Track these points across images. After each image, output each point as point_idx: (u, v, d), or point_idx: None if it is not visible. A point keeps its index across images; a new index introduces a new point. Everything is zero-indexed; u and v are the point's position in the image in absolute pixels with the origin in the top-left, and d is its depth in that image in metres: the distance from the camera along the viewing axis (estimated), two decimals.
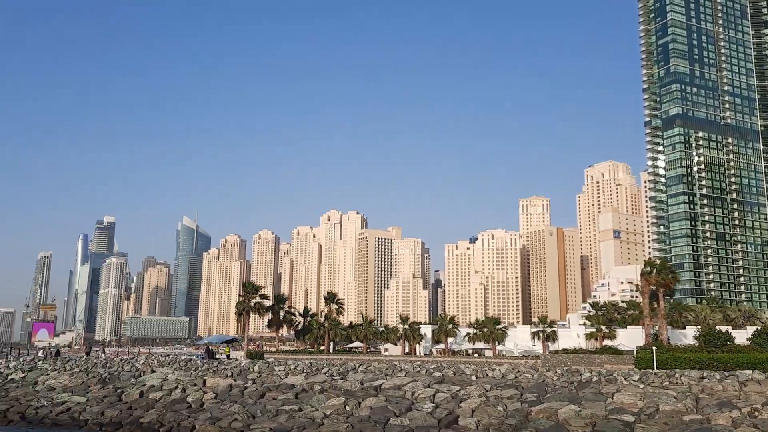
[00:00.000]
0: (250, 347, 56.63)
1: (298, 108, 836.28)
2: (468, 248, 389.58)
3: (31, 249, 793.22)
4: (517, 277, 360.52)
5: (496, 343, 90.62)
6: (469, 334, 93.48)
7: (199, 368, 37.83)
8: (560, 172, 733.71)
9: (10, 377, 42.33)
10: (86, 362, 45.31)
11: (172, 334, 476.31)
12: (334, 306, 72.86)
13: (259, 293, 66.16)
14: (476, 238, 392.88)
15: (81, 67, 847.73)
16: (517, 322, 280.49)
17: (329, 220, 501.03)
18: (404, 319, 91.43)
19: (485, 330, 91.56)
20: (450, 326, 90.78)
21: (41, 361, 45.08)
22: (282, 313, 62.98)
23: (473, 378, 31.90)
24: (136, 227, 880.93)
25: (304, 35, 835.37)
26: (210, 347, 53.79)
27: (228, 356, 46.20)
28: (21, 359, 47.12)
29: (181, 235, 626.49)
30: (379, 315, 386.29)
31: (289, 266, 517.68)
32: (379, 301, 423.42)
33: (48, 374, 41.71)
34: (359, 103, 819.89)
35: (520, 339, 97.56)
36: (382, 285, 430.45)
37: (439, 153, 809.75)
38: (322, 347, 71.20)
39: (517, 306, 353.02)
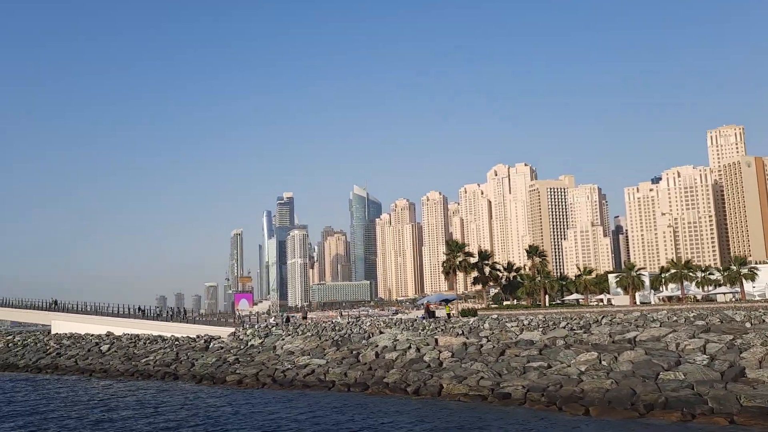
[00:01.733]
0: (459, 306, 56.56)
1: (452, 63, 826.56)
2: (651, 190, 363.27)
3: (225, 228, 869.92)
4: (710, 217, 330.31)
5: (743, 283, 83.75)
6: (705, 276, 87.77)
7: (426, 328, 37.74)
8: (753, 93, 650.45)
9: (250, 343, 45.41)
10: (316, 326, 47.42)
11: (355, 297, 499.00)
12: (537, 259, 70.71)
13: (464, 251, 65.62)
14: (659, 179, 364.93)
15: (246, 48, 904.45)
16: (714, 264, 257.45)
17: (496, 174, 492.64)
18: (585, 270, 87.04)
19: (728, 272, 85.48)
20: (683, 270, 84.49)
21: (274, 327, 48.12)
22: (487, 269, 62.14)
23: (747, 325, 28.32)
24: (313, 200, 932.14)
25: None
26: (429, 306, 54.40)
27: (449, 315, 46.11)
28: (256, 326, 50.57)
29: (353, 203, 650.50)
30: (557, 267, 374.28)
31: (459, 225, 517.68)
32: (557, 253, 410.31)
33: (283, 339, 44.12)
34: (516, 52, 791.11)
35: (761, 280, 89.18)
36: (558, 236, 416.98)
37: (605, 85, 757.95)
38: (538, 302, 69.98)
39: (713, 247, 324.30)
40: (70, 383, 42.16)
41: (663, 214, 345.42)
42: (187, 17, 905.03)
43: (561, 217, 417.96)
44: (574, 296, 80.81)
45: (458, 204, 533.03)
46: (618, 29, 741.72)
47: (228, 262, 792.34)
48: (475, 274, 62.71)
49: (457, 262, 61.25)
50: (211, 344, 47.87)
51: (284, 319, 56.23)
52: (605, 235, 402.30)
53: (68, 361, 53.06)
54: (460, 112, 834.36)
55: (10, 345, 67.28)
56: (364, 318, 52.45)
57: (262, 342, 45.24)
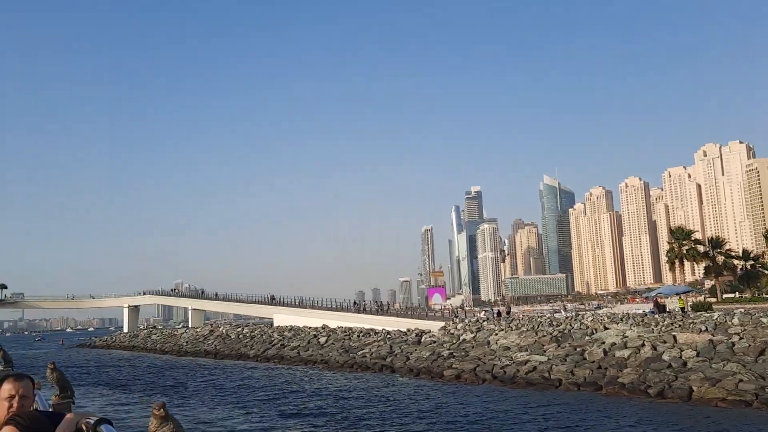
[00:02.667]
0: (689, 299, 51.15)
1: (649, 35, 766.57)
2: None
3: (415, 224, 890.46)
4: None
5: None
6: None
7: (660, 324, 34.20)
8: None
9: (462, 338, 44.79)
10: (531, 321, 45.60)
11: (550, 291, 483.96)
12: None
13: (692, 238, 59.41)
14: None
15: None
16: None
17: (705, 155, 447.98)
18: None
19: None
20: None
21: (485, 322, 47.21)
22: (720, 258, 55.47)
23: None
24: (501, 193, 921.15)
25: None
26: (658, 300, 50.00)
27: (683, 309, 41.74)
28: (466, 320, 50.01)
29: (543, 194, 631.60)
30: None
31: (665, 212, 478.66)
32: None
33: (496, 334, 42.85)
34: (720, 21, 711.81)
35: None
36: None
37: None
38: None
39: None
40: (298, 373, 44.71)
41: None
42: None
43: None
44: None
45: (661, 189, 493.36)
46: None
47: (420, 257, 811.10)
48: (705, 263, 56.28)
49: (684, 251, 55.37)
50: (423, 338, 48.08)
51: (495, 314, 55.12)
52: None
53: (291, 352, 56.71)
54: (654, 90, 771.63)
55: (240, 336, 73.91)
56: (585, 312, 49.61)
57: (474, 336, 44.42)
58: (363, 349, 49.74)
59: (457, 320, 51.89)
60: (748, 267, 55.54)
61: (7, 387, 3.70)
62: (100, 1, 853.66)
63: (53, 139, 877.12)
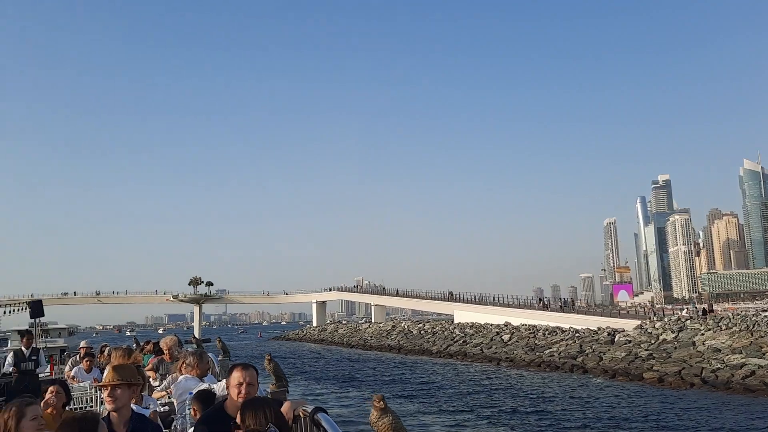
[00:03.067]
0: None
1: None
2: None
3: (596, 218, 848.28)
4: None
5: None
6: None
7: None
8: None
9: (661, 338, 41.23)
10: (744, 320, 40.80)
11: (755, 287, 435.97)
12: None
13: None
14: None
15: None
16: None
17: None
18: None
19: None
20: None
21: (688, 321, 43.07)
22: None
23: None
24: (693, 181, 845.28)
25: None
26: None
27: None
28: (665, 319, 46.00)
29: (744, 180, 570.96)
30: None
31: None
32: None
33: (702, 334, 38.84)
34: None
35: None
36: None
37: None
38: None
39: None
40: (483, 370, 43.95)
41: None
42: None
43: None
44: None
45: None
46: None
47: (602, 252, 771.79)
48: None
49: None
50: (616, 337, 44.97)
51: (700, 312, 50.09)
52: None
53: (474, 349, 56.05)
54: None
55: (421, 332, 74.87)
56: None
57: (675, 336, 40.62)
58: (550, 348, 47.75)
59: (655, 318, 47.85)
60: None
61: (236, 375, 4.06)
62: None
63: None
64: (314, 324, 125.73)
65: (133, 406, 4.44)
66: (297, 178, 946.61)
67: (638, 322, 48.49)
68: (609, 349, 42.33)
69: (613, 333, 46.79)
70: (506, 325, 63.59)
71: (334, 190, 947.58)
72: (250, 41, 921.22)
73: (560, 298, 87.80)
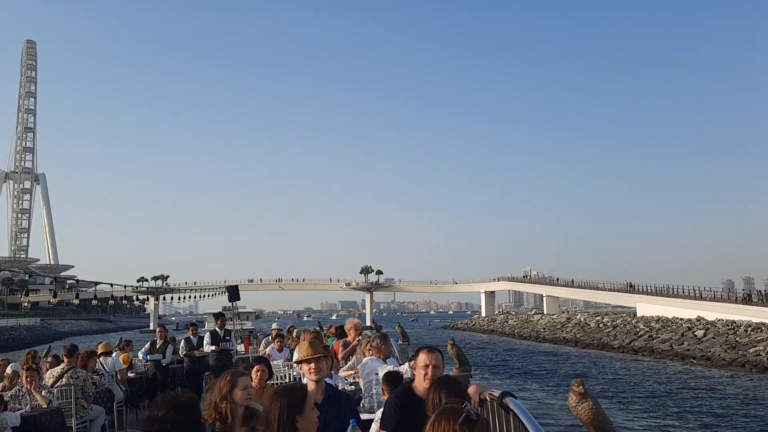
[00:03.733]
0: None
1: None
2: None
3: None
4: None
5: None
6: None
7: None
8: None
9: None
10: None
11: None
12: None
13: None
14: None
15: None
16: None
17: None
18: None
19: None
20: None
21: None
22: None
23: None
24: None
25: None
26: None
27: None
28: None
29: None
30: None
31: None
32: None
33: None
34: None
35: None
36: None
37: None
38: None
39: None
40: (676, 369, 40.18)
41: None
42: None
43: None
44: None
45: None
46: None
47: None
48: None
49: None
50: None
51: None
52: None
53: (663, 345, 51.67)
54: None
55: (600, 325, 70.71)
56: None
57: None
58: (755, 346, 42.52)
59: None
60: None
61: (423, 357, 4.23)
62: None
63: None
64: (483, 314, 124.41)
65: (326, 379, 4.85)
66: (460, 170, 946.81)
67: None
68: None
69: None
70: (699, 319, 57.86)
71: (497, 181, 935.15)
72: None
73: (760, 291, 78.52)
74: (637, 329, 61.71)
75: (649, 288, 75.62)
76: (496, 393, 3.86)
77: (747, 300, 60.26)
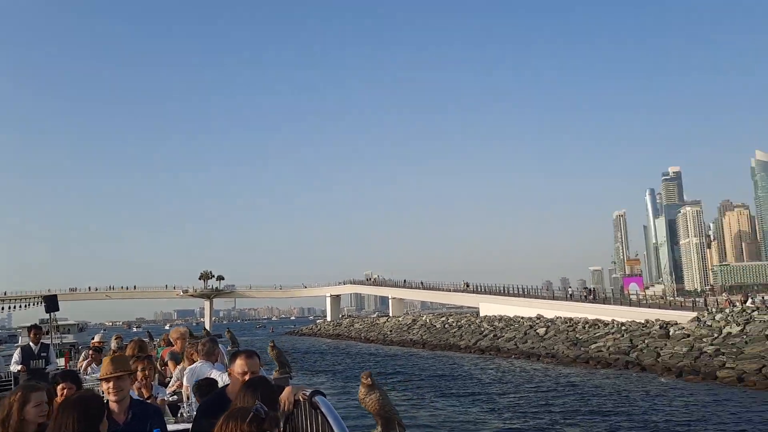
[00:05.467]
0: None
1: None
2: None
3: (605, 210, 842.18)
4: None
5: None
6: None
7: None
8: None
9: (725, 330, 37.36)
10: None
11: (767, 279, 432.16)
12: None
13: None
14: None
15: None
16: None
17: None
18: None
19: None
20: None
21: (755, 312, 39.19)
22: None
23: None
24: (703, 172, 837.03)
25: None
26: None
27: None
28: (726, 310, 42.14)
29: (756, 171, 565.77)
30: None
31: None
32: None
33: None
34: None
35: None
36: None
37: None
38: None
39: None
40: (529, 368, 40.26)
41: None
42: None
43: None
44: None
45: None
46: None
47: (612, 244, 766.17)
48: None
49: None
50: (671, 331, 41.16)
51: None
52: None
53: (508, 344, 52.46)
54: None
55: (446, 326, 71.21)
56: None
57: (742, 329, 36.75)
58: (595, 342, 44.05)
59: (714, 310, 43.95)
60: None
61: (240, 363, 4.25)
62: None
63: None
64: (328, 318, 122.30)
65: (132, 393, 4.66)
66: (305, 174, 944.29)
67: (693, 314, 44.60)
68: (666, 344, 38.55)
69: (665, 326, 42.94)
70: (539, 317, 59.80)
71: (341, 185, 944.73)
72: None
73: (584, 288, 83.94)
74: (482, 329, 62.65)
75: (493, 288, 77.58)
76: (308, 392, 3.95)
77: (590, 297, 63.14)
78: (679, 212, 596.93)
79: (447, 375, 37.79)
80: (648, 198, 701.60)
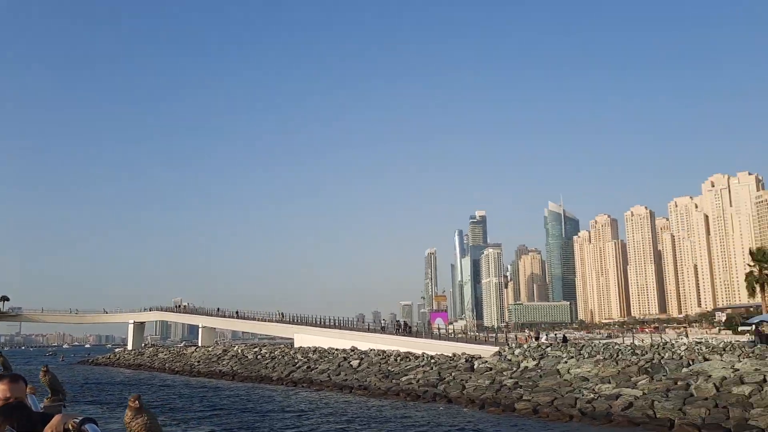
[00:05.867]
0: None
1: (650, 64, 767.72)
2: None
3: (419, 248, 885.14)
4: None
5: None
6: None
7: None
8: None
9: (523, 365, 40.14)
10: (607, 349, 40.90)
11: (554, 318, 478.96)
12: None
13: None
14: None
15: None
16: None
17: (713, 186, 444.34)
18: None
19: None
20: None
21: (548, 348, 42.54)
22: None
23: None
24: (506, 218, 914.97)
25: None
26: (759, 328, 45.20)
27: None
28: (524, 346, 45.29)
29: (548, 221, 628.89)
30: None
31: (670, 242, 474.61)
32: None
33: (566, 362, 38.21)
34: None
35: None
36: None
37: None
38: None
39: None
40: (337, 400, 39.85)
41: None
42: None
43: None
44: None
45: (667, 219, 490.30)
46: None
47: (423, 280, 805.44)
48: None
49: (765, 274, 50.82)
50: (476, 364, 43.35)
51: (562, 339, 50.31)
52: None
53: (321, 376, 51.94)
54: (660, 120, 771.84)
55: (258, 357, 69.01)
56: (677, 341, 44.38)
57: (537, 364, 39.74)
58: (406, 375, 45.03)
59: (514, 346, 47.14)
60: None
61: (2, 388, 3.87)
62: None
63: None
64: (129, 347, 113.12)
65: None
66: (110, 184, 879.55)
67: (496, 349, 47.45)
68: (470, 377, 40.45)
69: (471, 360, 45.17)
70: (353, 349, 60.13)
71: (152, 209, 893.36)
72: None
73: (396, 321, 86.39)
74: (296, 360, 61.55)
75: (302, 319, 76.87)
76: (78, 419, 3.81)
77: (406, 330, 64.74)
78: (483, 253, 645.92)
79: (252, 409, 36.23)
80: (457, 238, 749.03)
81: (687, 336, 64.24)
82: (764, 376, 27.66)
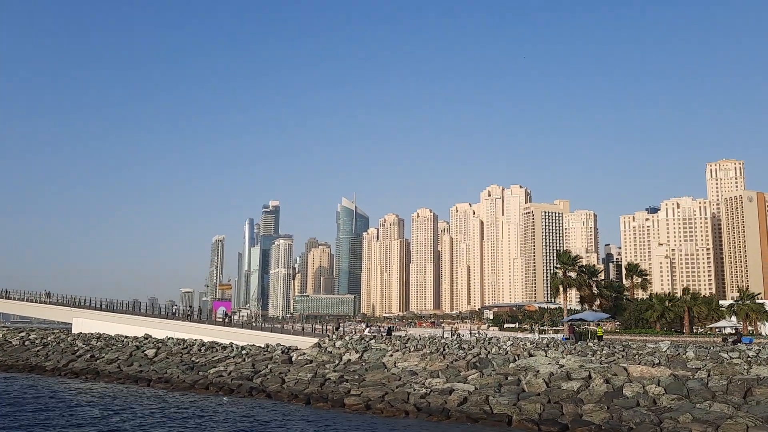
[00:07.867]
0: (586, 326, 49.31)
1: (448, 77, 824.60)
2: (647, 219, 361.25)
3: (206, 234, 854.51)
4: (708, 249, 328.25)
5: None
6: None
7: (597, 352, 31.15)
8: (753, 128, 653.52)
9: (345, 358, 38.26)
10: (433, 342, 40.36)
11: (338, 311, 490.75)
12: (636, 279, 63.44)
13: (578, 265, 58.64)
14: (655, 209, 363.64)
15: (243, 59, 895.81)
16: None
17: (490, 195, 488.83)
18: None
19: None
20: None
21: (372, 340, 41.03)
22: (594, 287, 55.30)
23: None
24: (300, 210, 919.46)
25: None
26: (574, 326, 47.25)
27: (601, 337, 39.63)
28: (347, 338, 43.34)
29: (340, 216, 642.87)
30: (551, 293, 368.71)
31: (449, 244, 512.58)
32: (548, 278, 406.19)
33: (391, 355, 37.08)
34: (517, 74, 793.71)
35: None
36: (551, 261, 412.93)
37: (604, 113, 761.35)
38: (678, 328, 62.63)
39: (709, 280, 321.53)
40: (131, 393, 34.53)
41: (660, 244, 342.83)
42: (176, 23, 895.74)
43: (555, 241, 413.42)
44: (722, 323, 74.34)
45: (448, 223, 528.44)
46: (619, 60, 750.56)
47: (208, 268, 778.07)
48: (585, 291, 55.77)
49: (573, 276, 54.32)
50: (294, 356, 40.59)
51: (386, 332, 49.00)
52: (599, 263, 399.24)
53: (110, 366, 45.50)
54: (454, 129, 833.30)
55: (26, 343, 59.19)
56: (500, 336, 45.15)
57: (361, 356, 38.14)
58: (215, 367, 40.79)
59: (335, 337, 44.99)
60: (612, 297, 56.54)
61: None
62: None
63: None
64: None
65: None
66: None
67: (314, 340, 45.03)
68: (290, 370, 37.61)
69: (287, 351, 42.26)
70: (147, 337, 53.81)
71: None
72: None
73: (189, 307, 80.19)
74: (75, 348, 53.54)
75: (82, 301, 67.60)
76: None
77: (187, 316, 59.25)
78: (274, 243, 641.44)
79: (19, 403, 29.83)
80: (246, 227, 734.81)
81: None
82: (589, 372, 28.66)
